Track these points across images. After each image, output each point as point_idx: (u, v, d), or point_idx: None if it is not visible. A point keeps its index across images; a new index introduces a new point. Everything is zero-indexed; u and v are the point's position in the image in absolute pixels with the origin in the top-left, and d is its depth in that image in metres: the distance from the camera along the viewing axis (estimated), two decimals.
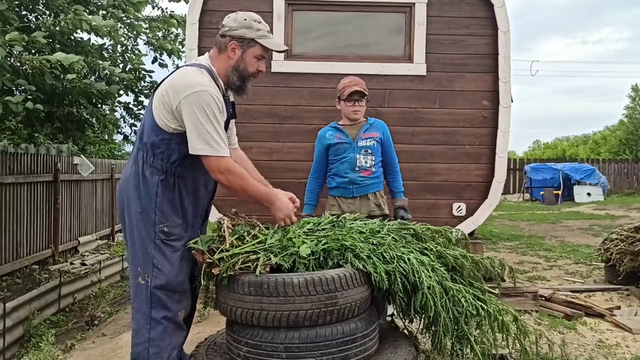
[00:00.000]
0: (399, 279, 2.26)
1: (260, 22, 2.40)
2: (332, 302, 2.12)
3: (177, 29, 7.45)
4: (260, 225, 2.43)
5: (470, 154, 4.67)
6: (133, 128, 7.43)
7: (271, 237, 2.29)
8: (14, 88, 5.16)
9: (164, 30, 7.39)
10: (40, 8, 5.90)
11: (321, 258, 2.25)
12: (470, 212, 4.66)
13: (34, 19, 6.08)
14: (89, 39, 6.28)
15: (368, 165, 3.29)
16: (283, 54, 4.55)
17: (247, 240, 2.29)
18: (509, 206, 16.51)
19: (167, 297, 2.31)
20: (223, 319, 2.50)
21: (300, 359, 2.10)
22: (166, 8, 7.20)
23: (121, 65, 6.66)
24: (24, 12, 5.95)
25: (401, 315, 2.48)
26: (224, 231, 2.31)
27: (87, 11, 5.72)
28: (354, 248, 2.27)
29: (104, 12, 6.40)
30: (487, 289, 2.60)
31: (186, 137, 2.25)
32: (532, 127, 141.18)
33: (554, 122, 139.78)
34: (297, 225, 2.49)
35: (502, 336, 2.51)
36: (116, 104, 7.03)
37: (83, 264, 7.42)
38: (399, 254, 2.33)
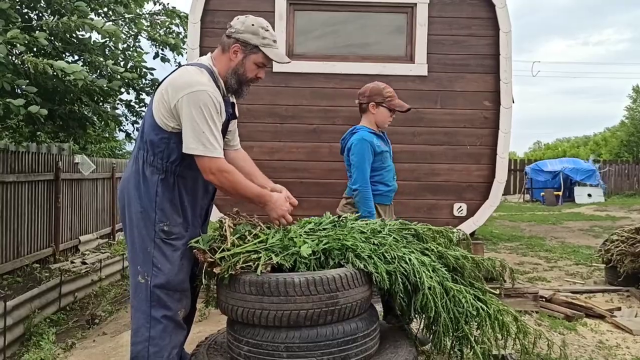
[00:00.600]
0: (399, 279, 2.26)
1: (267, 30, 2.38)
2: (333, 302, 2.12)
3: (178, 27, 7.44)
4: (262, 224, 2.43)
5: (471, 154, 4.67)
6: (135, 125, 7.43)
7: (272, 237, 2.29)
8: (14, 88, 5.16)
9: (165, 28, 7.38)
10: (42, 5, 5.90)
11: (322, 258, 2.25)
12: (471, 212, 4.67)
13: (35, 17, 6.08)
14: (90, 37, 6.28)
15: None
16: (285, 53, 4.55)
17: (249, 240, 2.29)
18: (509, 207, 16.51)
19: (167, 296, 2.31)
20: (224, 318, 2.51)
21: (301, 359, 2.11)
22: (168, 3, 7.17)
23: (122, 63, 6.66)
24: (25, 10, 5.96)
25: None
26: (225, 230, 2.31)
27: (90, 7, 5.72)
28: (355, 248, 2.27)
29: (106, 8, 6.40)
30: (487, 289, 2.60)
31: None
32: (533, 127, 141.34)
33: (554, 122, 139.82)
34: (298, 225, 2.49)
35: (503, 336, 2.51)
36: (117, 101, 7.03)
37: (84, 263, 7.43)
38: (400, 254, 2.33)
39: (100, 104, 6.69)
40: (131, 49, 7.08)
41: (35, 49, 5.25)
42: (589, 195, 17.52)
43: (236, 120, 2.63)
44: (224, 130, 2.47)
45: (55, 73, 4.72)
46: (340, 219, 2.60)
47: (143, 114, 6.22)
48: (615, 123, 37.05)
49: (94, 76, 6.08)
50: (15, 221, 6.60)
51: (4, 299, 4.38)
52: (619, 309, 4.56)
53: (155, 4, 7.26)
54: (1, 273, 6.21)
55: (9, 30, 4.55)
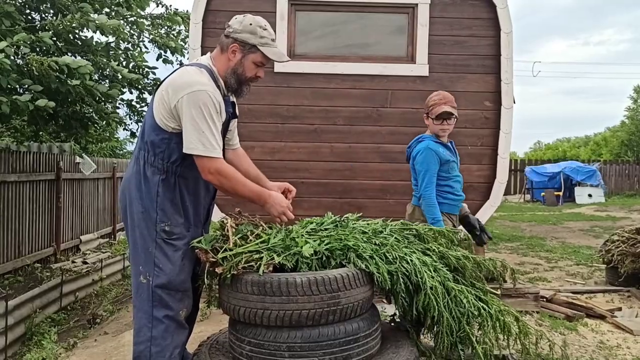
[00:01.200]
0: (401, 280, 2.27)
1: (265, 30, 2.37)
2: (335, 302, 2.13)
3: (180, 26, 7.44)
4: (264, 224, 2.44)
5: (472, 154, 4.67)
6: (139, 124, 7.43)
7: (274, 237, 2.30)
8: (18, 87, 5.17)
9: (166, 28, 7.39)
10: (47, 6, 5.91)
11: (324, 258, 2.26)
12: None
13: (38, 18, 6.09)
14: (92, 37, 6.29)
15: None
16: (286, 54, 4.56)
17: (251, 240, 2.30)
18: (509, 207, 16.51)
19: (168, 296, 2.32)
20: (225, 317, 2.51)
21: (302, 358, 2.11)
22: (170, 5, 7.18)
23: (124, 63, 6.67)
24: (28, 11, 5.97)
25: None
26: (227, 230, 2.32)
27: (93, 8, 5.73)
28: (357, 248, 2.27)
29: (108, 9, 6.41)
30: (488, 289, 2.60)
31: None
32: (533, 127, 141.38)
33: (555, 123, 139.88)
34: (300, 225, 2.50)
35: (504, 336, 2.51)
36: (119, 101, 7.03)
37: (85, 263, 7.44)
38: (402, 255, 2.34)
39: (102, 103, 6.70)
40: (132, 50, 7.09)
41: (38, 49, 5.26)
42: (590, 195, 17.52)
43: (236, 120, 2.63)
44: (224, 130, 2.47)
45: (58, 73, 4.73)
46: (342, 219, 2.60)
47: (144, 113, 6.22)
48: (615, 123, 37.03)
49: (95, 76, 6.08)
50: (17, 221, 6.60)
51: (6, 299, 4.38)
52: (620, 309, 4.57)
53: (157, 6, 7.27)
54: (2, 272, 6.22)
55: (13, 30, 4.56)
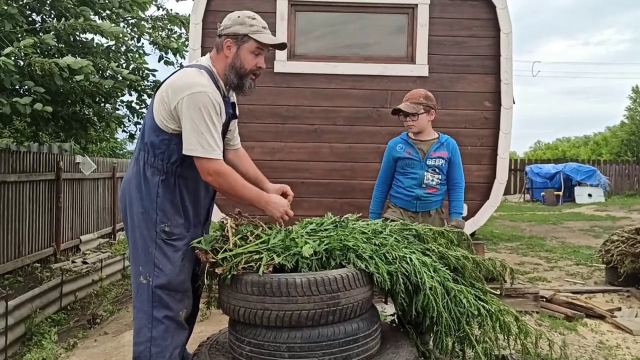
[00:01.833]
0: (401, 280, 2.27)
1: (254, 19, 2.38)
2: (335, 302, 2.13)
3: (180, 28, 7.45)
4: (264, 225, 2.44)
5: (472, 154, 4.67)
6: (138, 126, 7.44)
7: (274, 237, 2.30)
8: (19, 88, 5.18)
9: (167, 30, 7.39)
10: (47, 9, 5.92)
11: (324, 258, 2.26)
12: (472, 212, 4.67)
13: (39, 20, 6.09)
14: (92, 39, 6.30)
15: (434, 183, 3.31)
16: (286, 54, 4.56)
17: (250, 240, 2.30)
18: (509, 207, 16.51)
19: (168, 296, 2.33)
20: (225, 318, 2.51)
21: (302, 359, 2.12)
22: (171, 9, 7.22)
23: (124, 65, 6.67)
24: (28, 12, 5.97)
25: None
26: (227, 231, 2.32)
27: (94, 12, 5.74)
28: (357, 248, 2.28)
29: (109, 11, 6.41)
30: (488, 289, 2.61)
31: None
32: (533, 127, 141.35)
33: (555, 123, 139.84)
34: (300, 225, 2.50)
35: (503, 336, 2.52)
36: (119, 102, 7.04)
37: (85, 263, 7.44)
38: (401, 255, 2.34)
39: (102, 104, 6.70)
40: (133, 52, 7.09)
41: (39, 51, 5.27)
42: (589, 195, 17.52)
43: (236, 120, 2.64)
44: (225, 130, 2.47)
45: (61, 73, 4.74)
46: (342, 219, 2.60)
47: (145, 114, 6.21)
48: (615, 123, 37.06)
49: (96, 77, 6.09)
50: (17, 221, 6.61)
51: (5, 299, 4.39)
52: (619, 309, 4.57)
53: (158, 9, 7.29)
54: (2, 272, 6.22)
55: (15, 32, 4.56)
